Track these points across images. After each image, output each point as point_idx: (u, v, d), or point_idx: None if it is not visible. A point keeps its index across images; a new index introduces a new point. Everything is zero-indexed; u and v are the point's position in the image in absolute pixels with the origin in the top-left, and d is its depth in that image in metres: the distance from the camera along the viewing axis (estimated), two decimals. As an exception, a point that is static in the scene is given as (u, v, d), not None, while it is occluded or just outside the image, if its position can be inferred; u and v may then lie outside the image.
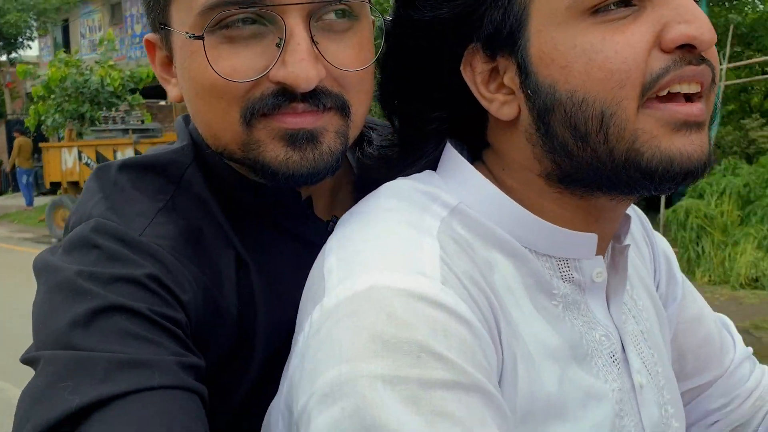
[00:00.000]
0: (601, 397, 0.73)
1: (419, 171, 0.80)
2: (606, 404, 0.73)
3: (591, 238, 0.76)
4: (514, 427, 0.65)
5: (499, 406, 0.62)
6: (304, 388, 0.63)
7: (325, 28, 0.74)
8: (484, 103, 0.74)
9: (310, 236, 0.85)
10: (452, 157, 0.78)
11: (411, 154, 0.81)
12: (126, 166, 0.85)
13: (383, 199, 0.75)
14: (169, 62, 0.83)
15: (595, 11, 0.66)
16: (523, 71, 0.70)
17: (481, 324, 0.65)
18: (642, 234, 0.96)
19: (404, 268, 0.64)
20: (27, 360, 0.71)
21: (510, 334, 0.69)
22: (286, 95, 0.74)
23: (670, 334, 0.93)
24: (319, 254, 0.75)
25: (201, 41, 0.73)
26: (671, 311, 0.95)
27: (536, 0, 0.68)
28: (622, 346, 0.78)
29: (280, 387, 0.73)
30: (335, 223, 0.84)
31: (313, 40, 0.73)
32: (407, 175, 0.79)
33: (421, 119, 0.79)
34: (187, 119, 0.92)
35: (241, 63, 0.73)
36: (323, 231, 0.84)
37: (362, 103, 0.80)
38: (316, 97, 0.74)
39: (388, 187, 0.77)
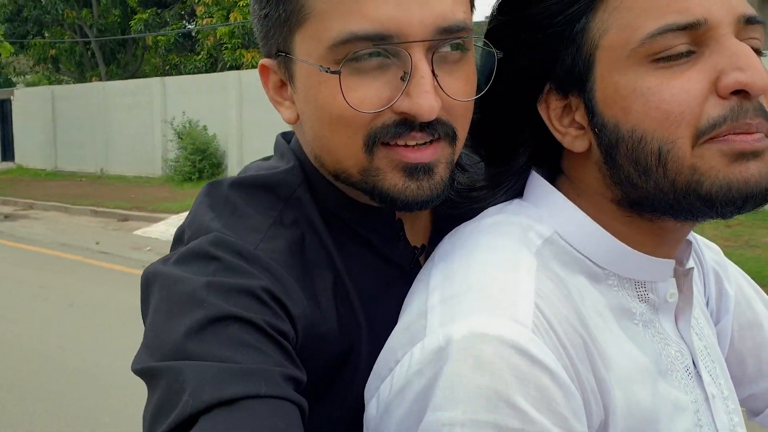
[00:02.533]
0: (685, 408, 0.79)
1: (504, 201, 0.86)
2: (689, 415, 0.79)
3: (669, 264, 0.81)
4: None
5: None
6: (407, 427, 0.69)
7: (441, 60, 0.79)
8: (558, 136, 0.81)
9: (398, 259, 0.90)
10: (540, 185, 0.84)
11: (497, 186, 0.87)
12: (237, 184, 0.89)
13: (481, 235, 0.81)
14: (282, 85, 0.88)
15: (657, 59, 0.71)
16: (591, 111, 0.77)
17: (573, 372, 0.70)
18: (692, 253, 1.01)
19: (500, 313, 0.69)
20: (141, 371, 0.73)
21: (602, 363, 0.74)
22: (406, 125, 0.78)
23: (726, 345, 0.99)
24: (421, 283, 0.80)
25: (336, 75, 0.77)
26: (724, 323, 1.00)
27: (601, 47, 0.75)
28: (693, 361, 0.84)
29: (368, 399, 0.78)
30: (423, 251, 0.89)
31: (433, 73, 0.77)
32: (492, 204, 0.86)
33: (509, 153, 0.86)
34: (285, 136, 0.96)
35: (368, 94, 0.77)
36: (410, 255, 0.90)
37: (465, 131, 0.85)
38: (431, 126, 0.79)
39: (485, 220, 0.83)
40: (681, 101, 0.70)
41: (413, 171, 0.80)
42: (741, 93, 0.70)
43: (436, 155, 0.81)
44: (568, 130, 0.80)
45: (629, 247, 0.80)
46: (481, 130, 0.89)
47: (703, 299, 0.98)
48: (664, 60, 0.71)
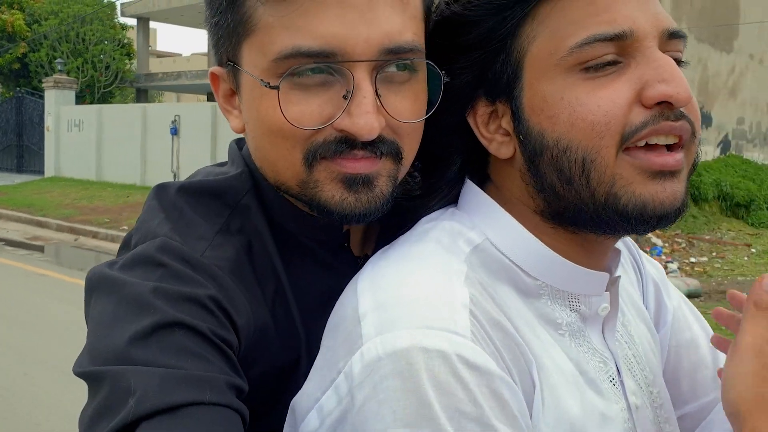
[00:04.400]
0: (613, 417, 0.79)
1: (440, 208, 0.87)
2: (618, 424, 0.79)
3: (603, 278, 0.82)
4: None
5: None
6: None
7: (386, 80, 0.78)
8: (484, 142, 0.82)
9: (342, 268, 0.90)
10: (473, 193, 0.85)
11: (431, 194, 0.88)
12: (184, 188, 0.89)
13: (411, 245, 0.80)
14: (232, 94, 0.87)
15: (586, 68, 0.73)
16: (517, 117, 0.77)
17: (509, 374, 0.70)
18: (630, 260, 1.03)
19: (438, 326, 0.68)
20: (84, 374, 0.73)
21: (536, 367, 0.74)
22: (347, 142, 0.78)
23: (663, 358, 0.99)
24: (349, 288, 0.80)
25: (275, 90, 0.77)
26: (663, 334, 1.01)
27: (530, 54, 0.76)
28: (618, 371, 0.84)
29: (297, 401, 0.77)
30: (365, 261, 0.89)
31: (377, 93, 0.77)
32: (430, 211, 0.86)
33: (443, 162, 0.87)
34: (239, 143, 0.96)
35: (309, 110, 0.77)
36: (354, 265, 0.89)
37: (413, 149, 0.84)
38: (374, 145, 0.79)
39: (417, 229, 0.83)
40: (607, 111, 0.71)
41: (352, 183, 0.80)
42: (664, 104, 0.72)
43: (377, 168, 0.80)
44: (494, 136, 0.81)
45: (562, 257, 0.80)
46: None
47: (642, 306, 0.99)
48: (592, 69, 0.72)
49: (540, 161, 0.76)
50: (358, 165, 0.79)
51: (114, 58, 25.48)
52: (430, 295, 0.72)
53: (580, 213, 0.76)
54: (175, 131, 16.08)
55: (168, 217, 0.85)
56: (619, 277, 0.86)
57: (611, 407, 0.80)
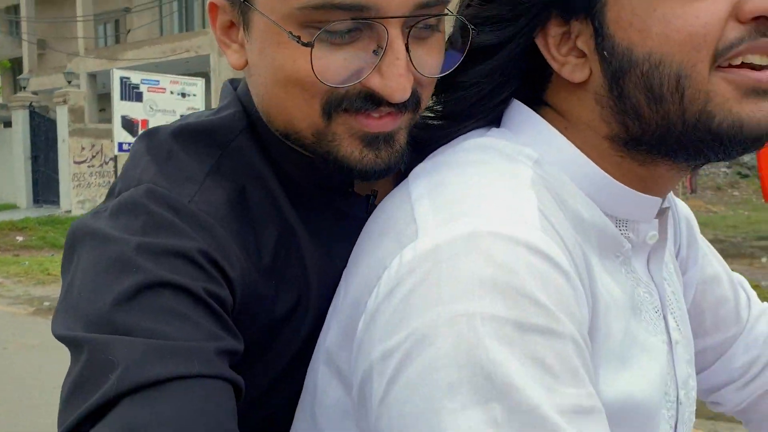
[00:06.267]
0: (653, 350, 0.76)
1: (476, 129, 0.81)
2: (660, 357, 0.77)
3: (656, 203, 0.79)
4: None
5: (587, 357, 0.62)
6: (391, 328, 0.62)
7: (414, 35, 0.74)
8: (555, 65, 0.76)
9: (352, 210, 0.86)
10: (522, 113, 0.79)
11: (468, 119, 0.81)
12: (173, 131, 0.83)
13: (468, 153, 0.75)
14: (231, 26, 0.81)
15: None
16: (599, 35, 0.72)
17: (577, 275, 0.66)
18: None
19: (506, 214, 0.65)
20: (66, 338, 0.68)
21: (594, 285, 0.71)
22: (373, 100, 0.74)
23: (690, 296, 0.99)
24: (395, 199, 0.75)
25: (308, 47, 0.71)
26: (691, 273, 1.00)
27: None
28: (660, 304, 0.81)
29: (323, 339, 0.75)
30: (375, 197, 0.85)
31: (407, 49, 0.73)
32: (462, 134, 0.80)
33: (490, 85, 0.80)
34: (233, 83, 0.90)
35: (335, 64, 0.72)
36: (364, 205, 0.86)
37: (429, 95, 0.81)
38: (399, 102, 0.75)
39: (468, 143, 0.77)
40: (706, 22, 0.67)
41: (373, 140, 0.76)
42: (762, 20, 0.68)
43: (398, 123, 0.77)
44: (567, 59, 0.76)
45: (618, 182, 0.76)
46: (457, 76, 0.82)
47: (674, 247, 0.98)
48: None
49: (626, 80, 0.72)
50: (381, 123, 0.75)
51: None
52: (496, 193, 0.68)
53: (665, 136, 0.72)
54: None
55: (153, 160, 0.79)
56: (668, 207, 0.84)
57: (653, 339, 0.77)
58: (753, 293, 1.07)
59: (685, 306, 0.90)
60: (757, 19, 0.68)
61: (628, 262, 0.78)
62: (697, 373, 0.97)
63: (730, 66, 0.69)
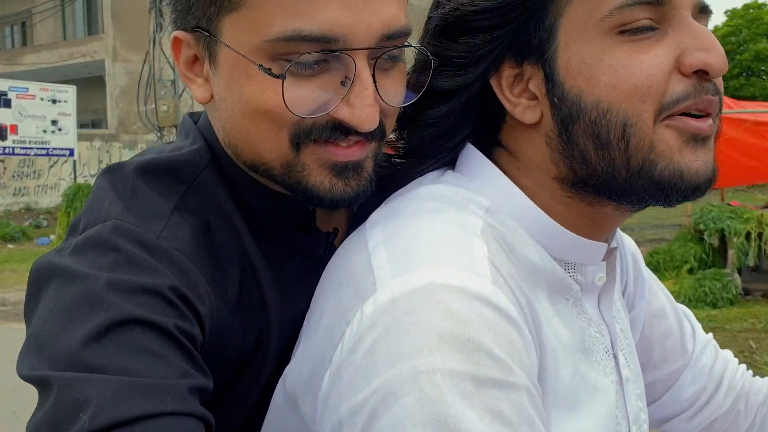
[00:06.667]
0: (605, 390, 0.79)
1: (432, 170, 0.84)
2: (609, 396, 0.79)
3: (602, 248, 0.81)
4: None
5: (539, 405, 0.65)
6: (357, 384, 0.63)
7: (379, 66, 0.76)
8: (507, 106, 0.78)
9: (312, 248, 0.87)
10: (474, 157, 0.81)
11: (426, 158, 0.84)
12: (134, 167, 0.82)
13: (422, 202, 0.77)
14: (195, 61, 0.81)
15: (621, 31, 0.71)
16: (550, 80, 0.74)
17: (525, 324, 0.68)
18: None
19: (459, 266, 0.66)
20: (33, 378, 0.66)
21: (541, 332, 0.72)
22: (342, 130, 0.75)
23: (638, 331, 1.01)
24: (353, 246, 0.76)
25: (279, 79, 0.72)
26: (639, 308, 1.01)
27: (566, 15, 0.73)
28: (611, 343, 0.84)
29: (284, 381, 0.76)
30: (336, 235, 0.88)
31: (373, 79, 0.75)
32: (420, 175, 0.83)
33: (447, 124, 0.82)
34: (193, 117, 0.92)
35: (303, 95, 0.74)
36: (324, 242, 0.87)
37: (392, 125, 0.84)
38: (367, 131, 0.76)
39: (423, 190, 0.80)
40: (650, 75, 0.70)
41: (342, 170, 0.78)
42: (700, 73, 0.72)
43: (366, 152, 0.79)
44: (520, 100, 0.78)
45: (563, 228, 0.78)
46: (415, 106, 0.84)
47: (621, 284, 0.99)
48: (629, 33, 0.71)
49: (575, 126, 0.74)
50: (350, 152, 0.77)
51: None
52: (448, 243, 0.70)
53: (609, 181, 0.75)
54: None
55: (118, 197, 0.79)
56: (616, 248, 0.86)
57: (602, 380, 0.79)
58: (697, 324, 1.09)
59: (633, 342, 0.92)
60: (696, 72, 0.70)
61: (579, 303, 0.80)
62: (648, 405, 0.96)
63: (672, 114, 0.71)
